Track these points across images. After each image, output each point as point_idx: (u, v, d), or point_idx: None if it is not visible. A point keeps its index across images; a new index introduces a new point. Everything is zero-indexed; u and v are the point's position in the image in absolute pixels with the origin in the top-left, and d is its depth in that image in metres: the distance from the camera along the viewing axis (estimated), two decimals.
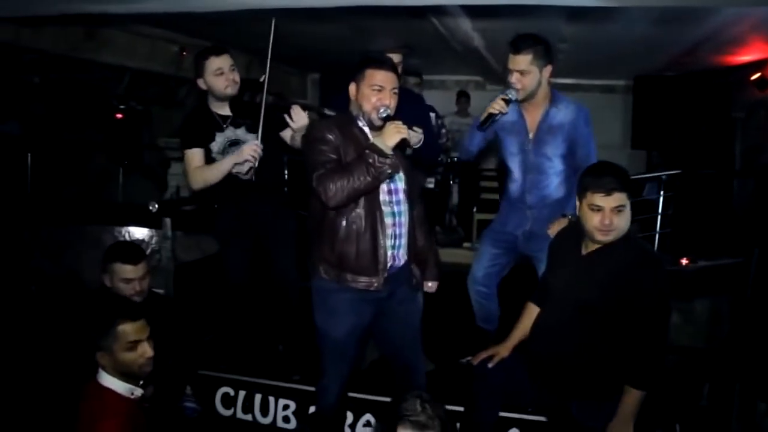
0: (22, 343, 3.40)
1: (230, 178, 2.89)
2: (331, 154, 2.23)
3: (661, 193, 4.86)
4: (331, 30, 5.61)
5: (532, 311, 2.50)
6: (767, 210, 5.35)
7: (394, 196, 2.33)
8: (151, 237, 4.84)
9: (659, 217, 4.83)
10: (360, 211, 2.26)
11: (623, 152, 7.64)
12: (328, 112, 2.74)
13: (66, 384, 2.38)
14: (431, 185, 5.46)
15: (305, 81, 9.20)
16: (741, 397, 3.43)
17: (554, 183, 2.86)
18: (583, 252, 2.28)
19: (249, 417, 3.10)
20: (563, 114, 2.79)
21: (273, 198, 3.11)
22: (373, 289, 2.30)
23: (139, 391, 2.02)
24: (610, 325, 2.18)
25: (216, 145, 2.94)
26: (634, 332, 2.14)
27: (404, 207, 2.35)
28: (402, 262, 2.38)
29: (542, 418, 2.66)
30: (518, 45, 2.71)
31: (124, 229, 4.92)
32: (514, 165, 2.93)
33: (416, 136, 2.71)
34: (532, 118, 2.83)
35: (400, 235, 2.35)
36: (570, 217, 2.70)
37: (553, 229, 2.73)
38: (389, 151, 2.19)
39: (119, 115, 7.37)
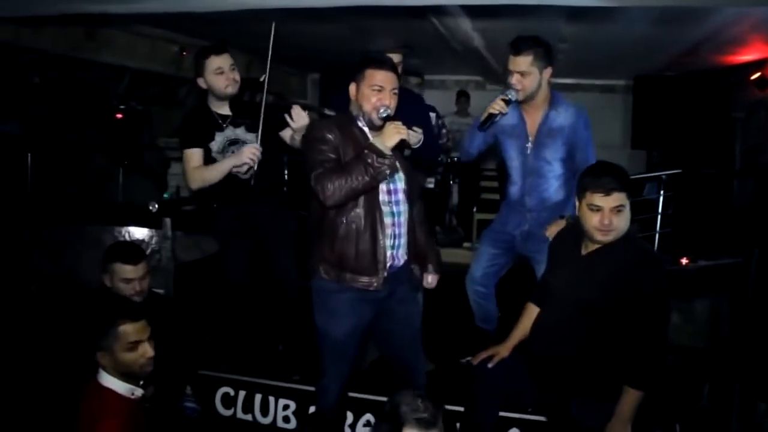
0: (22, 343, 3.40)
1: (230, 177, 2.89)
2: (331, 154, 2.23)
3: (661, 192, 4.87)
4: (331, 30, 5.61)
5: (532, 311, 2.50)
6: (767, 210, 5.35)
7: (393, 196, 2.33)
8: (151, 237, 4.84)
9: (659, 216, 4.83)
10: (359, 210, 2.26)
11: (623, 152, 7.65)
12: (327, 112, 2.74)
13: (66, 384, 2.38)
14: (431, 185, 5.46)
15: (305, 81, 9.20)
16: (741, 397, 3.43)
17: (554, 186, 2.87)
18: (583, 252, 2.28)
19: (249, 417, 3.10)
20: (563, 117, 2.79)
21: (273, 198, 3.11)
22: (372, 289, 2.30)
23: (139, 392, 2.02)
24: (610, 325, 2.18)
25: (215, 145, 2.94)
26: (633, 332, 2.14)
27: (403, 207, 2.35)
28: (401, 261, 2.38)
29: (542, 418, 2.66)
30: (519, 46, 2.72)
31: (124, 229, 4.92)
32: (514, 168, 2.93)
33: (416, 137, 2.71)
34: (532, 121, 2.83)
35: (400, 234, 2.35)
36: (568, 218, 2.70)
37: (551, 231, 2.73)
38: (388, 152, 2.19)
39: (119, 115, 7.37)
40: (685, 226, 5.24)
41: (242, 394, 3.12)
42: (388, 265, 2.31)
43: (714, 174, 7.04)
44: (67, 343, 2.70)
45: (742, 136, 7.24)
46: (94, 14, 3.61)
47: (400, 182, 2.35)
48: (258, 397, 3.09)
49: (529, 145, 2.85)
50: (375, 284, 2.29)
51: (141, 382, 2.04)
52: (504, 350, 2.47)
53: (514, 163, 2.92)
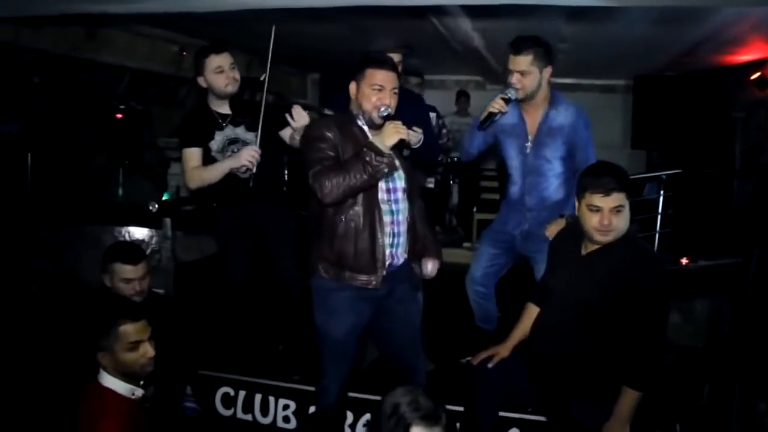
0: (22, 343, 3.40)
1: (229, 177, 2.89)
2: (330, 152, 2.24)
3: (661, 192, 4.87)
4: (331, 30, 5.62)
5: (532, 311, 2.50)
6: (767, 210, 5.35)
7: (392, 194, 2.33)
8: (151, 237, 4.84)
9: (659, 216, 4.83)
10: (358, 209, 2.27)
11: (623, 152, 7.65)
12: (327, 112, 2.74)
13: (66, 384, 2.38)
14: (431, 185, 5.47)
15: (305, 81, 9.21)
16: (741, 396, 3.43)
17: (553, 185, 2.87)
18: (583, 252, 2.28)
19: (249, 417, 3.10)
20: (563, 116, 2.79)
21: (272, 198, 3.11)
22: (371, 287, 2.30)
23: (139, 392, 2.02)
24: (610, 326, 2.18)
25: (215, 144, 2.95)
26: (632, 332, 2.14)
27: (402, 206, 2.35)
28: (401, 260, 2.38)
29: (542, 418, 2.66)
30: (519, 46, 2.72)
31: (124, 229, 4.92)
32: (514, 167, 2.94)
33: (416, 136, 2.71)
34: (532, 120, 2.84)
35: (399, 233, 2.35)
36: (567, 217, 2.70)
37: (551, 230, 2.74)
38: (387, 150, 2.19)
39: (119, 115, 7.37)
40: (685, 226, 5.24)
41: (242, 394, 3.12)
42: (387, 263, 2.31)
43: (714, 174, 7.05)
44: (67, 343, 2.70)
45: (742, 136, 7.25)
46: (94, 14, 3.61)
47: (399, 181, 2.35)
48: (258, 397, 3.09)
49: (529, 144, 2.85)
50: (374, 282, 2.29)
51: (141, 382, 2.04)
52: (504, 350, 2.47)
53: (514, 162, 2.92)
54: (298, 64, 8.23)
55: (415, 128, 2.70)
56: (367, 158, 2.16)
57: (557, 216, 2.80)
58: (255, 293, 3.22)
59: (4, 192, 5.52)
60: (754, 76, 6.40)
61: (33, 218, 5.17)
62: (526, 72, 2.72)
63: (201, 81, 2.92)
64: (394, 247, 2.34)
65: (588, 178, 2.20)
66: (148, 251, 4.29)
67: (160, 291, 3.25)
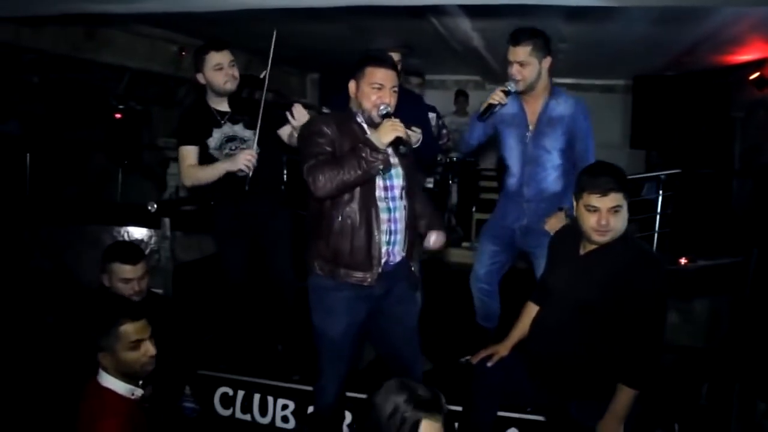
0: (21, 343, 3.40)
1: (228, 176, 2.89)
2: (327, 147, 2.23)
3: (660, 192, 4.87)
4: (331, 30, 5.62)
5: (532, 310, 2.50)
6: (766, 210, 5.35)
7: (389, 192, 2.32)
8: (150, 237, 4.84)
9: (658, 216, 4.84)
10: (355, 206, 2.26)
11: (622, 152, 7.65)
12: (326, 111, 2.74)
13: (66, 384, 2.38)
14: (430, 185, 5.46)
15: (305, 81, 9.21)
16: (740, 396, 3.43)
17: (552, 176, 2.88)
18: (581, 252, 2.28)
19: (248, 417, 3.10)
20: (563, 107, 2.82)
21: (271, 197, 3.10)
22: (366, 284, 2.29)
23: (139, 392, 2.02)
24: (609, 325, 2.18)
25: (213, 141, 2.95)
26: (631, 332, 2.14)
27: (400, 203, 2.34)
28: (398, 258, 2.37)
29: (541, 418, 2.67)
30: (518, 37, 2.75)
31: (123, 229, 4.92)
32: (513, 158, 2.95)
33: (415, 136, 2.71)
34: (532, 110, 2.86)
35: (396, 231, 2.34)
36: (566, 210, 2.71)
37: (550, 224, 2.75)
38: (383, 147, 2.19)
39: (118, 115, 7.37)
40: (684, 225, 5.25)
41: (241, 393, 3.12)
42: (383, 261, 2.30)
43: (713, 174, 7.05)
44: (67, 343, 2.70)
45: (742, 136, 7.24)
46: (93, 14, 3.61)
47: (397, 178, 2.34)
48: (257, 397, 3.10)
49: (529, 134, 2.87)
50: (369, 280, 2.29)
51: (140, 382, 2.04)
52: (503, 349, 2.47)
53: (513, 152, 2.94)
54: (298, 64, 8.23)
55: (414, 128, 2.71)
56: (363, 154, 2.16)
57: (556, 209, 2.81)
58: (253, 293, 3.22)
59: (3, 192, 5.52)
60: (753, 76, 6.40)
61: (33, 218, 5.17)
62: (525, 62, 2.74)
63: (200, 78, 2.92)
64: (390, 245, 2.33)
65: (585, 178, 2.20)
66: (147, 251, 4.30)
67: (159, 291, 3.26)
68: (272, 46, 2.77)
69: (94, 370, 2.00)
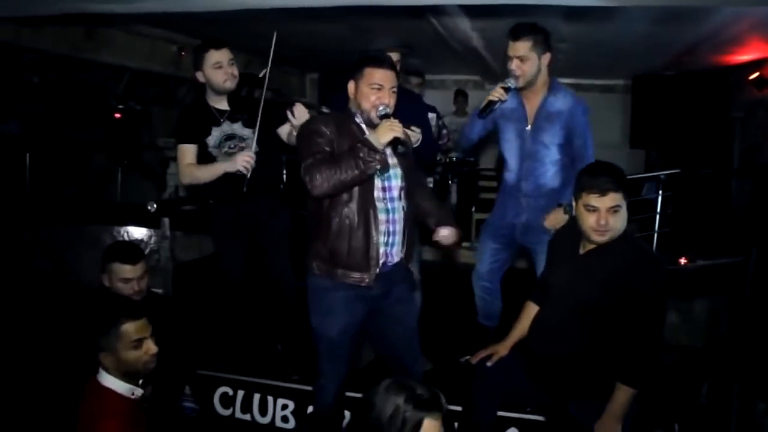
0: (21, 343, 3.40)
1: (227, 175, 2.89)
2: (325, 147, 2.23)
3: (660, 192, 4.88)
4: (330, 30, 5.62)
5: (531, 310, 2.51)
6: (766, 209, 5.35)
7: (387, 193, 2.31)
8: (150, 237, 4.85)
9: (658, 216, 4.84)
10: (353, 206, 2.26)
11: (622, 152, 7.64)
12: (325, 110, 2.74)
13: (66, 384, 2.38)
14: (430, 185, 5.46)
15: (304, 81, 9.21)
16: (740, 396, 3.43)
17: (550, 172, 2.88)
18: (581, 251, 2.28)
19: (248, 417, 3.10)
20: (562, 102, 2.82)
21: (270, 195, 3.10)
22: (364, 285, 2.29)
23: (139, 391, 2.02)
24: (609, 325, 2.18)
25: (212, 139, 2.95)
26: (630, 331, 2.14)
27: (398, 204, 2.33)
28: (396, 259, 2.36)
29: (541, 418, 2.67)
30: (518, 32, 2.77)
31: (123, 229, 4.93)
32: (511, 152, 2.96)
33: (414, 136, 2.71)
34: (532, 105, 2.87)
35: (394, 232, 2.33)
36: (565, 206, 2.71)
37: (549, 220, 2.76)
38: (380, 147, 2.19)
39: (118, 115, 7.37)
40: (684, 225, 5.25)
41: (241, 393, 3.12)
42: (381, 262, 2.30)
43: (713, 173, 7.05)
44: (67, 342, 2.70)
45: (741, 136, 7.25)
46: (94, 14, 3.61)
47: (395, 179, 2.33)
48: (257, 397, 3.10)
49: (528, 128, 2.88)
50: (366, 280, 2.28)
51: (140, 381, 2.04)
52: (503, 349, 2.47)
53: (512, 146, 2.95)
54: (298, 63, 8.22)
55: (413, 127, 2.71)
56: (361, 154, 2.16)
57: (555, 205, 2.81)
58: (253, 292, 3.22)
59: (3, 192, 5.52)
60: (752, 76, 6.40)
61: (33, 218, 5.17)
62: (525, 58, 2.75)
63: (199, 76, 2.92)
64: (388, 246, 2.32)
65: (585, 178, 2.20)
66: (147, 251, 4.30)
67: (159, 291, 3.26)
68: (272, 48, 2.77)
69: (94, 369, 2.00)
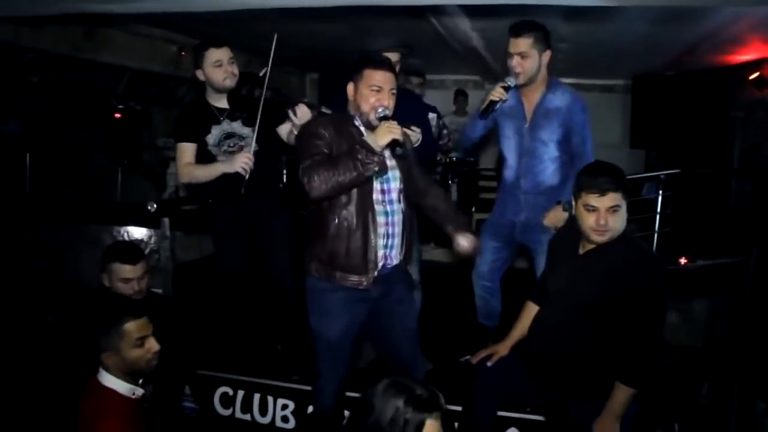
0: (21, 343, 3.40)
1: (225, 175, 2.89)
2: (323, 149, 2.23)
3: (660, 192, 4.88)
4: (330, 30, 5.62)
5: (531, 310, 2.51)
6: (766, 209, 5.35)
7: (386, 195, 2.31)
8: (150, 237, 4.85)
9: (658, 216, 4.84)
10: (352, 209, 2.25)
11: (622, 152, 7.64)
12: (325, 110, 2.74)
13: (66, 383, 2.38)
14: None
15: (304, 81, 9.21)
16: (740, 396, 3.43)
17: (549, 169, 2.89)
18: (581, 251, 2.28)
19: (248, 417, 3.10)
20: (560, 99, 2.83)
21: (269, 195, 3.10)
22: (362, 288, 2.29)
23: (139, 391, 2.02)
24: (609, 325, 2.18)
25: (212, 138, 2.95)
26: (630, 331, 2.14)
27: (397, 207, 2.33)
28: (395, 262, 2.36)
29: (541, 418, 2.66)
30: (519, 29, 2.78)
31: (123, 229, 4.92)
32: (510, 149, 2.97)
33: (414, 136, 2.71)
34: (530, 102, 2.88)
35: (393, 234, 2.32)
36: (564, 204, 2.71)
37: (549, 218, 2.76)
38: (378, 149, 2.18)
39: (118, 115, 7.37)
40: (684, 225, 5.25)
41: (241, 393, 3.12)
42: (379, 264, 2.30)
43: (713, 173, 7.05)
44: (67, 342, 2.70)
45: (741, 136, 7.24)
46: (94, 14, 3.61)
47: (394, 182, 2.33)
48: (257, 397, 3.10)
49: (526, 125, 2.89)
50: (365, 283, 2.28)
51: (140, 381, 2.04)
52: (503, 349, 2.47)
53: (511, 143, 2.96)
54: (298, 63, 8.22)
55: (413, 128, 2.71)
56: (359, 155, 2.15)
57: (554, 203, 2.82)
58: (252, 292, 3.22)
59: (3, 192, 5.52)
60: (752, 76, 6.40)
61: (32, 218, 5.17)
62: (526, 54, 2.75)
63: (199, 74, 2.93)
64: (387, 248, 2.32)
65: (584, 177, 2.20)
66: (147, 251, 4.30)
67: (159, 291, 3.26)
68: (273, 49, 2.77)
69: (94, 369, 2.00)
